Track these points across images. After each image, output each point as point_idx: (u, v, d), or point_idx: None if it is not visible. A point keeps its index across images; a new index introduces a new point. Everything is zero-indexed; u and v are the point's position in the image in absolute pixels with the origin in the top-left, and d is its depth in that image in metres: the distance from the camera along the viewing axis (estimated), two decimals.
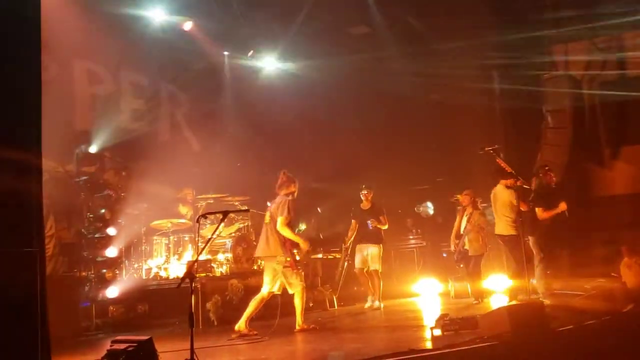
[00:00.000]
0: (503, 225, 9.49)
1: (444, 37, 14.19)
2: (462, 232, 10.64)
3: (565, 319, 7.16)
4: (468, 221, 10.52)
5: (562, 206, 9.38)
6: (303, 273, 8.26)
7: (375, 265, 10.50)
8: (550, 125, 12.81)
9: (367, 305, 10.66)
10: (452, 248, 10.87)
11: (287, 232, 7.93)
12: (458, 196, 11.30)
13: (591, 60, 13.67)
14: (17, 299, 4.46)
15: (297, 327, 8.04)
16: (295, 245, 8.06)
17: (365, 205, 10.80)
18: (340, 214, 12.93)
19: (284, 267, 7.90)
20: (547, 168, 9.89)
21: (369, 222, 10.59)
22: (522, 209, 9.21)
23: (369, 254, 10.53)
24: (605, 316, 7.09)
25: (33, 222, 4.74)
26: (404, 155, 13.89)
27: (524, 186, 9.33)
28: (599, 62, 13.59)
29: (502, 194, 9.55)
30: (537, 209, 9.43)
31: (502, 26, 13.84)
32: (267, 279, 8.05)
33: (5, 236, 4.51)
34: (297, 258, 8.13)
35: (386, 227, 10.69)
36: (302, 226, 12.37)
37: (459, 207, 11.33)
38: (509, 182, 9.36)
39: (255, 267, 10.80)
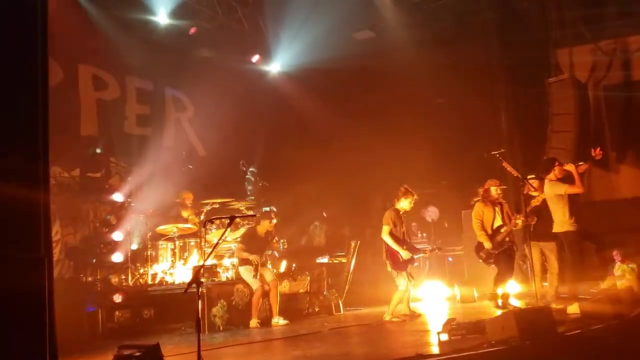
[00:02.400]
0: (555, 224, 8.95)
1: (448, 40, 14.25)
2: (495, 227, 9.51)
3: (572, 323, 7.15)
4: (507, 216, 9.49)
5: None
6: (405, 274, 9.18)
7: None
8: (556, 128, 12.76)
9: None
10: (489, 246, 9.31)
11: (387, 240, 9.14)
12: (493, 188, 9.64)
13: (596, 63, 13.66)
14: (26, 305, 4.46)
15: (386, 317, 9.16)
16: (396, 251, 9.12)
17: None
18: (345, 218, 12.95)
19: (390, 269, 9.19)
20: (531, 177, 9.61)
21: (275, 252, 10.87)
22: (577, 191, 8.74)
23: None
24: (613, 320, 7.05)
25: (41, 228, 4.74)
26: (409, 159, 13.90)
27: (532, 187, 9.27)
28: (604, 65, 13.58)
29: (545, 190, 9.06)
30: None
31: (507, 29, 13.89)
32: None
33: (13, 242, 4.52)
34: (402, 260, 9.11)
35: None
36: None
37: (481, 201, 9.72)
38: (552, 175, 8.92)
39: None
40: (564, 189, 8.74)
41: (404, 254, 9.09)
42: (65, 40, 10.13)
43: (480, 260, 9.59)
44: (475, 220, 9.54)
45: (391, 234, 9.17)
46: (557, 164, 9.01)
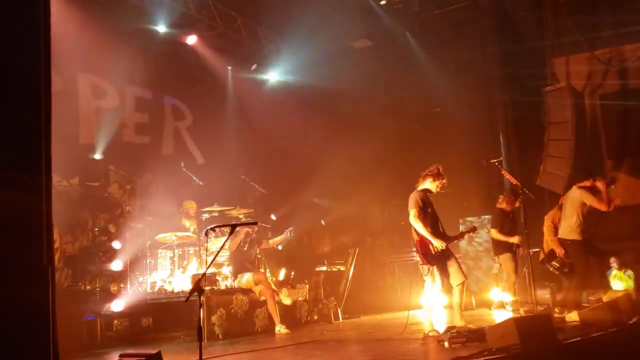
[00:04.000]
0: (564, 228, 9.04)
1: (446, 48, 14.32)
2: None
3: (572, 331, 7.17)
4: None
5: (515, 239, 9.53)
6: (435, 269, 7.60)
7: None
8: (553, 137, 12.81)
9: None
10: (562, 252, 9.38)
11: (416, 225, 7.58)
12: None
13: (592, 71, 13.76)
14: (29, 314, 4.45)
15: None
16: (427, 240, 7.59)
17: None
18: (344, 226, 12.95)
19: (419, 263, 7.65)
20: (509, 193, 9.88)
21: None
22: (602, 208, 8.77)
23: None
24: (612, 328, 7.08)
25: (43, 237, 4.74)
26: (407, 167, 13.93)
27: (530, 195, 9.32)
28: (600, 73, 13.67)
29: (573, 194, 9.12)
30: (491, 230, 9.74)
31: (504, 38, 13.98)
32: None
33: (16, 250, 4.52)
34: (433, 251, 7.58)
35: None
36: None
37: (559, 209, 9.79)
38: (586, 183, 9.01)
39: None
40: (590, 199, 8.86)
41: (437, 243, 7.53)
42: (65, 49, 10.15)
43: (553, 270, 9.38)
44: (550, 225, 9.54)
45: (421, 218, 7.64)
46: (594, 178, 9.07)
